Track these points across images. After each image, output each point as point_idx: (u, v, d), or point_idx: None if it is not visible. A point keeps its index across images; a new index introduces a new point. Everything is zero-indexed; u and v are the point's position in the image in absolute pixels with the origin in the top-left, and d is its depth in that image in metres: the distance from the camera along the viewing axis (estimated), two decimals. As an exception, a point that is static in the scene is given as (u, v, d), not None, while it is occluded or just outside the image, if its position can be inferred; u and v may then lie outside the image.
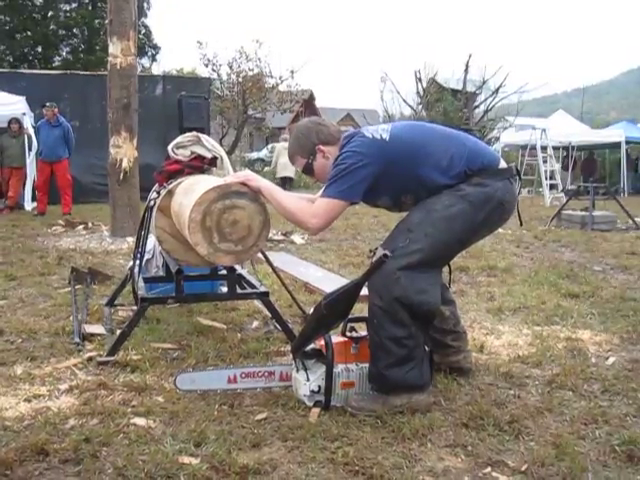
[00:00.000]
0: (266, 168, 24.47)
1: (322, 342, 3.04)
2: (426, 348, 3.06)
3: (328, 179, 3.02)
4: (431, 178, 3.00)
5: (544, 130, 18.28)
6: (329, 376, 2.99)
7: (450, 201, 2.97)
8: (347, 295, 2.92)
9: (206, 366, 3.51)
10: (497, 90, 25.69)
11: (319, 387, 3.01)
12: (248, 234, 3.35)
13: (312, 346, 3.10)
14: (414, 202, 3.08)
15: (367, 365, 3.04)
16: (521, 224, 3.71)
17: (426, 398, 2.99)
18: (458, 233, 2.99)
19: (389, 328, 2.91)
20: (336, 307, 2.92)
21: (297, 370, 3.11)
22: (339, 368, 3.02)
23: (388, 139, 3.01)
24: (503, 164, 3.12)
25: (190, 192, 3.54)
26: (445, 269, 3.31)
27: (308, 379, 3.03)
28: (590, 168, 23.03)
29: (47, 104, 12.06)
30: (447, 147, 3.04)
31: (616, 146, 22.60)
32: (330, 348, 3.00)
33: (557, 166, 18.61)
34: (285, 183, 17.79)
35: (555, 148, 20.51)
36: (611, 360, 3.69)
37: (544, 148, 18.12)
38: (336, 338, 3.09)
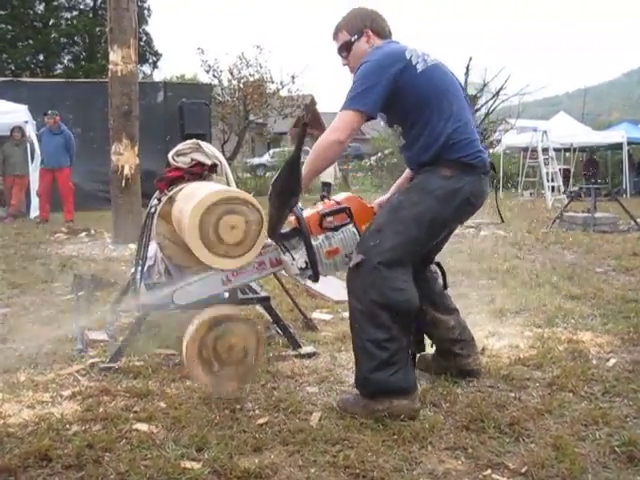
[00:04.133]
0: (268, 173, 24.49)
1: (295, 219, 3.10)
2: (410, 352, 3.07)
3: (348, 92, 3.02)
4: (431, 125, 3.02)
5: (545, 132, 18.31)
6: (309, 248, 3.05)
7: (417, 198, 3.00)
8: (290, 167, 2.92)
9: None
10: (498, 93, 25.66)
11: (306, 263, 3.07)
12: (245, 239, 3.38)
13: (289, 228, 3.17)
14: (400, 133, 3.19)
15: (350, 227, 3.14)
16: (502, 220, 3.78)
17: (409, 403, 2.93)
18: (427, 228, 3.00)
19: (370, 331, 2.92)
20: (284, 181, 2.94)
21: (283, 253, 3.15)
22: (319, 239, 3.08)
23: (419, 71, 3.02)
24: (478, 161, 3.08)
25: (191, 198, 3.56)
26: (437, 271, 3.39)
27: (294, 258, 3.08)
28: (592, 169, 23.00)
29: (49, 112, 12.10)
30: (457, 119, 3.04)
31: (618, 147, 22.59)
32: (302, 221, 3.06)
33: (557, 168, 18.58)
34: (324, 188, 18.26)
35: (557, 150, 20.51)
36: (612, 362, 3.69)
37: (545, 150, 18.14)
38: (308, 211, 3.15)
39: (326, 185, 19.33)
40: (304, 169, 3.06)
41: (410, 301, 2.97)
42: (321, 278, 3.29)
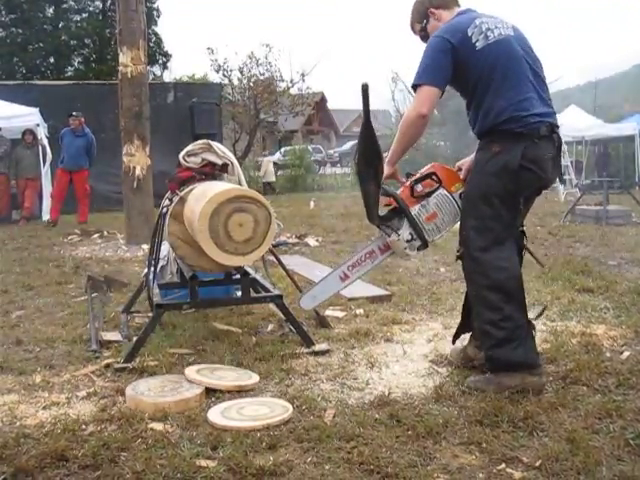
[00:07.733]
0: (279, 172, 24.51)
1: (389, 199, 3.33)
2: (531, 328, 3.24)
3: (418, 66, 3.19)
4: (483, 102, 3.16)
5: (557, 125, 18.18)
6: (412, 220, 3.28)
7: (477, 179, 3.21)
8: (363, 137, 3.09)
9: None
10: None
11: (411, 235, 3.28)
12: (254, 236, 3.41)
13: (387, 211, 3.37)
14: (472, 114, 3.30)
15: (441, 191, 3.31)
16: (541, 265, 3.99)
17: (538, 379, 3.12)
18: (499, 204, 3.13)
19: (485, 313, 3.13)
20: (365, 158, 3.10)
21: (389, 235, 3.34)
22: (416, 209, 3.27)
23: (478, 48, 3.13)
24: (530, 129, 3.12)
25: (201, 198, 3.58)
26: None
27: (399, 235, 3.28)
28: (604, 162, 22.84)
29: (74, 113, 11.98)
30: (517, 95, 3.13)
31: (630, 139, 22.41)
32: (397, 196, 3.31)
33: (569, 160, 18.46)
34: (266, 187, 20.52)
35: (568, 143, 20.38)
36: (625, 354, 3.68)
37: (557, 143, 18.02)
38: (400, 189, 3.36)
39: (268, 184, 21.14)
40: (392, 148, 3.31)
41: (515, 277, 3.17)
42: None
